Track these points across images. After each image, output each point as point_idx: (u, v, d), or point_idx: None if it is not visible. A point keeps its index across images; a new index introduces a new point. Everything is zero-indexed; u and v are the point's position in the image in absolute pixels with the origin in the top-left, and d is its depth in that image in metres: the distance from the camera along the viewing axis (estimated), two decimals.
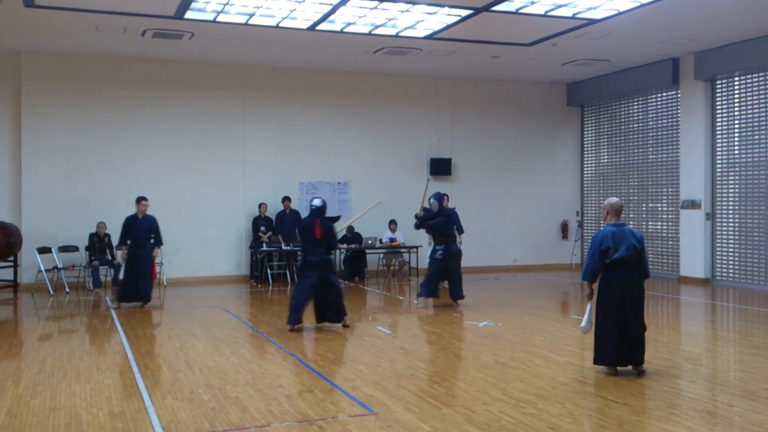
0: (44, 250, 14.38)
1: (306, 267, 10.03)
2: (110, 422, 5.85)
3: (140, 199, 12.38)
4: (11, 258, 14.12)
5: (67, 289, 14.25)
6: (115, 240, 13.60)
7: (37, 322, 11.31)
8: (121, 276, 12.39)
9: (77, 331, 10.45)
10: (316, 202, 10.14)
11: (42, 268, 14.12)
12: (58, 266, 14.32)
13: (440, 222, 12.05)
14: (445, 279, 12.31)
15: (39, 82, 14.77)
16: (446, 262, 12.04)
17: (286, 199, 16.00)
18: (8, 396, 6.68)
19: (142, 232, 12.18)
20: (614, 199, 7.54)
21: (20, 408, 6.30)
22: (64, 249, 14.67)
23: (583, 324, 7.60)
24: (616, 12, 12.03)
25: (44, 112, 14.81)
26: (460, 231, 13.33)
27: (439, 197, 12.27)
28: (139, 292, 12.15)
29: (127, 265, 12.15)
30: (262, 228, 15.78)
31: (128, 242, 12.21)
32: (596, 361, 7.39)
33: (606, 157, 18.55)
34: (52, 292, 13.99)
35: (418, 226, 12.48)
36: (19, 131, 14.72)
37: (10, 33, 13.21)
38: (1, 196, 14.72)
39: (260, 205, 15.93)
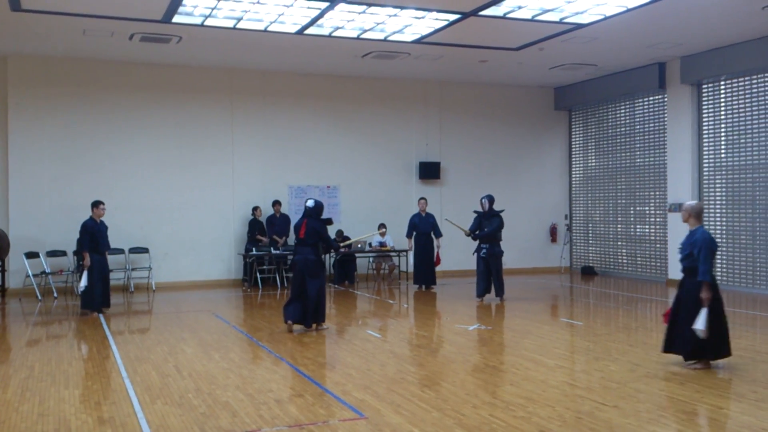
0: (32, 255, 14.29)
1: (291, 266, 10.41)
2: (99, 428, 5.82)
3: (99, 203, 12.01)
4: None
5: (55, 294, 14.18)
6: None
7: (25, 328, 11.24)
8: (84, 283, 11.67)
9: (66, 336, 10.40)
10: (309, 203, 10.34)
11: (30, 273, 14.03)
12: (46, 271, 14.24)
13: (496, 227, 12.98)
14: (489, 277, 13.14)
15: (26, 87, 14.69)
16: (488, 260, 12.94)
17: (276, 203, 16.00)
18: None
19: (104, 237, 12.00)
20: (694, 202, 7.86)
21: (9, 414, 6.26)
22: (51, 254, 14.57)
23: (703, 327, 7.48)
24: (602, 17, 12.09)
25: (31, 116, 14.73)
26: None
27: (491, 198, 13.18)
28: (105, 298, 12.02)
29: (96, 272, 11.74)
30: (257, 232, 15.75)
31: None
32: (714, 357, 7.69)
33: (594, 160, 18.65)
34: (40, 297, 13.92)
35: (474, 238, 13.30)
36: (6, 135, 14.63)
37: None
38: None
39: (255, 209, 15.91)
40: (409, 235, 15.26)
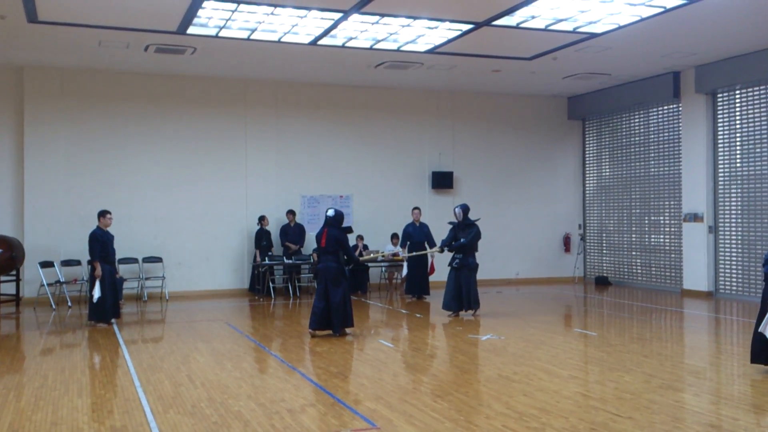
0: (46, 264, 14.38)
1: (316, 274, 10.90)
2: None
3: (105, 213, 11.98)
4: (13, 272, 14.12)
5: (69, 303, 14.25)
6: (118, 254, 13.50)
7: (39, 337, 11.29)
8: (97, 293, 11.59)
9: (79, 345, 10.43)
10: (329, 213, 10.66)
11: (44, 282, 14.13)
12: (61, 280, 14.32)
13: (473, 237, 12.44)
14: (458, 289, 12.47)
15: (42, 97, 14.82)
16: (459, 271, 12.39)
17: (290, 213, 16.05)
18: (10, 410, 6.67)
19: (112, 246, 12.03)
20: None
21: (22, 422, 6.28)
22: (66, 263, 14.66)
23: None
24: (616, 26, 12.06)
25: (47, 127, 14.85)
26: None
27: (465, 207, 12.76)
28: (115, 309, 12.04)
29: (106, 282, 11.68)
30: (264, 243, 15.66)
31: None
32: None
33: (608, 170, 18.57)
34: (54, 306, 13.99)
35: (450, 250, 12.70)
36: (21, 146, 14.76)
37: (13, 48, 13.26)
38: (4, 210, 14.74)
39: (261, 219, 15.81)
40: (403, 245, 15.30)
